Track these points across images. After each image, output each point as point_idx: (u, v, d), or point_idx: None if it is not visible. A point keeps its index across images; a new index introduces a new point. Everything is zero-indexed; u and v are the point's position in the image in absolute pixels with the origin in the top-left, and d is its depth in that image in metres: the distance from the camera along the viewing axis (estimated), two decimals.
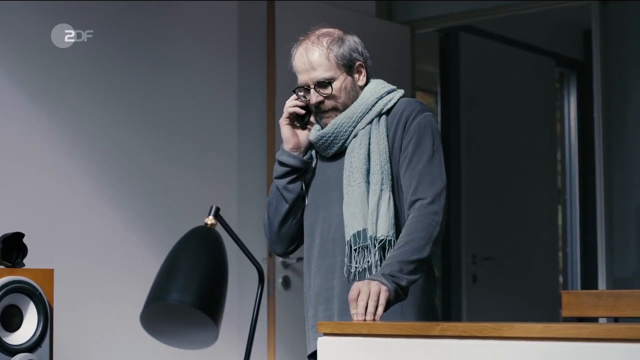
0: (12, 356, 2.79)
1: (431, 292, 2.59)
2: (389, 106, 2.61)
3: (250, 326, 3.19)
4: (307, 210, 2.68)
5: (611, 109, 5.07)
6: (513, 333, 1.92)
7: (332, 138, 2.60)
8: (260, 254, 4.37)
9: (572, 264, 6.69)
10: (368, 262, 2.49)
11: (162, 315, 3.09)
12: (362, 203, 2.52)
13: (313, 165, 2.69)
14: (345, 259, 2.53)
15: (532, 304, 6.06)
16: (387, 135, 2.58)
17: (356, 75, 2.64)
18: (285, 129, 2.67)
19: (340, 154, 2.63)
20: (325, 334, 2.14)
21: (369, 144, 2.57)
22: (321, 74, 2.58)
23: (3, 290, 2.79)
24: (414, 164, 2.52)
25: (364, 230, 2.50)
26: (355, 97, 2.63)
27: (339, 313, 2.54)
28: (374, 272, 2.45)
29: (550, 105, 6.69)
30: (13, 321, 2.84)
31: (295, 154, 2.66)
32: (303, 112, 2.67)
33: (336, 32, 2.64)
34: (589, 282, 6.44)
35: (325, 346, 2.13)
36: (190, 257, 3.03)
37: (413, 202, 2.48)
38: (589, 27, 5.27)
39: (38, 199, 3.91)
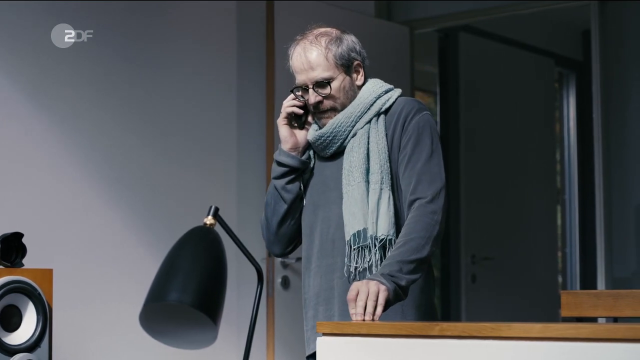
0: (11, 356, 2.78)
1: (430, 292, 2.59)
2: (387, 105, 2.61)
3: (250, 326, 3.19)
4: (305, 211, 2.68)
5: (610, 109, 5.07)
6: (512, 333, 1.92)
7: (330, 138, 2.60)
8: (260, 254, 4.37)
9: (571, 264, 6.70)
10: (368, 261, 2.49)
11: (161, 315, 3.09)
12: (362, 202, 2.51)
13: (311, 165, 2.68)
14: (346, 259, 2.52)
15: (532, 304, 6.06)
16: (386, 134, 2.58)
17: (354, 75, 2.63)
18: (283, 129, 2.66)
19: (339, 153, 2.62)
20: (325, 334, 2.14)
21: (368, 143, 2.56)
22: (320, 73, 2.58)
23: (2, 290, 2.78)
24: (413, 163, 2.52)
25: (364, 229, 2.49)
26: (353, 97, 2.62)
27: (340, 313, 2.54)
28: (374, 272, 2.45)
29: (549, 105, 6.68)
30: (12, 321, 2.84)
31: (293, 154, 2.65)
32: (301, 112, 2.66)
33: (334, 31, 2.63)
34: (588, 282, 6.44)
35: (325, 346, 2.13)
36: (189, 257, 3.03)
37: (412, 202, 2.48)
38: (588, 27, 5.27)
39: (37, 198, 3.91)
